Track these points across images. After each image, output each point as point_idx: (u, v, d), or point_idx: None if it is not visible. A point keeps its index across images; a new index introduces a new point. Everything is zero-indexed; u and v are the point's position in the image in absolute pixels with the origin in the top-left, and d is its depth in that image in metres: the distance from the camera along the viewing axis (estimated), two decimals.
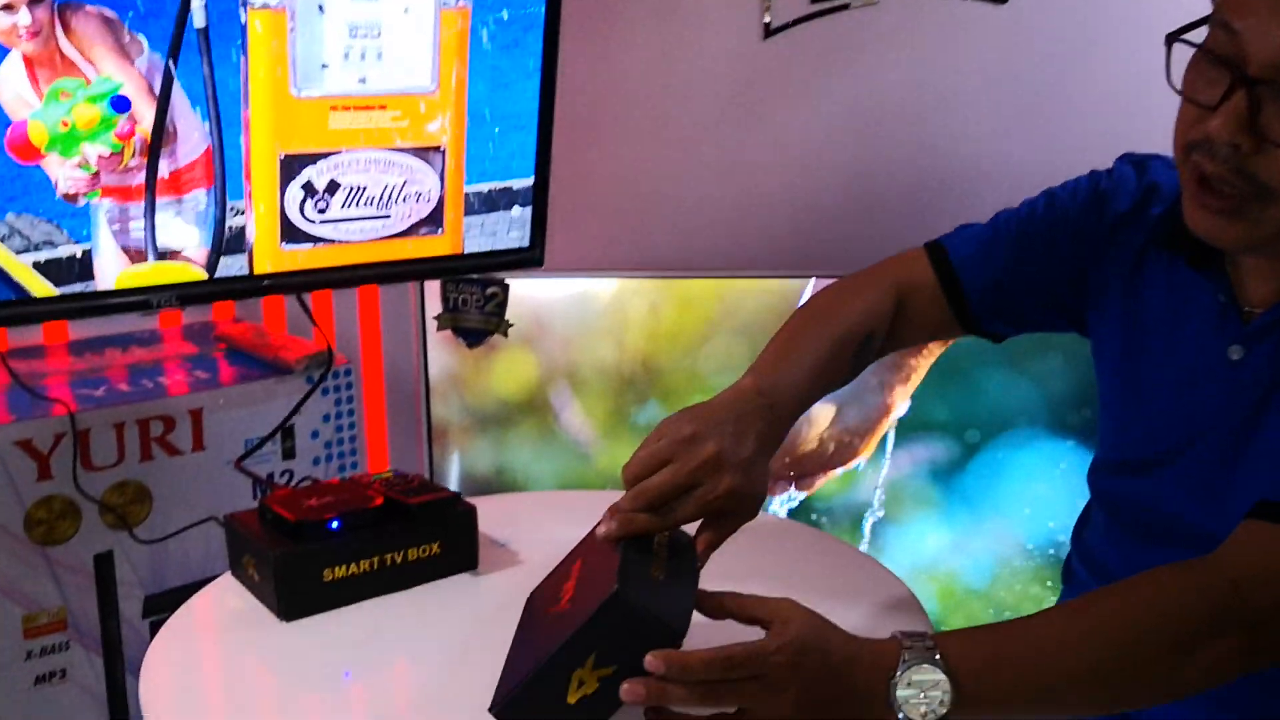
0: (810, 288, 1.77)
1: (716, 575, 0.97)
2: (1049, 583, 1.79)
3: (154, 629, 1.50)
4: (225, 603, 1.19)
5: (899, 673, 0.90)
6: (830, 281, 1.27)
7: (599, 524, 0.97)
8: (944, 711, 0.89)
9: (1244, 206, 0.95)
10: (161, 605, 1.50)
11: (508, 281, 1.80)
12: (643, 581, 0.91)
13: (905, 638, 0.91)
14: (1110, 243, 1.14)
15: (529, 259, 1.64)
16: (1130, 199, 1.13)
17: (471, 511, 1.20)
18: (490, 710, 0.88)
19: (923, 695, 0.89)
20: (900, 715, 0.90)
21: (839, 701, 0.90)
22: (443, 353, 1.84)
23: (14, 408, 1.42)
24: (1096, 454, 1.20)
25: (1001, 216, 1.21)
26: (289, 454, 1.59)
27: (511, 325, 1.82)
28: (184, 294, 1.41)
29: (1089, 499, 1.22)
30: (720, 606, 0.93)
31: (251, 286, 1.48)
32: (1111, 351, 1.15)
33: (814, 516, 1.84)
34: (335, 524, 1.14)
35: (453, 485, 1.90)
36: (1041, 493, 1.78)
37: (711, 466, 0.98)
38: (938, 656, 0.90)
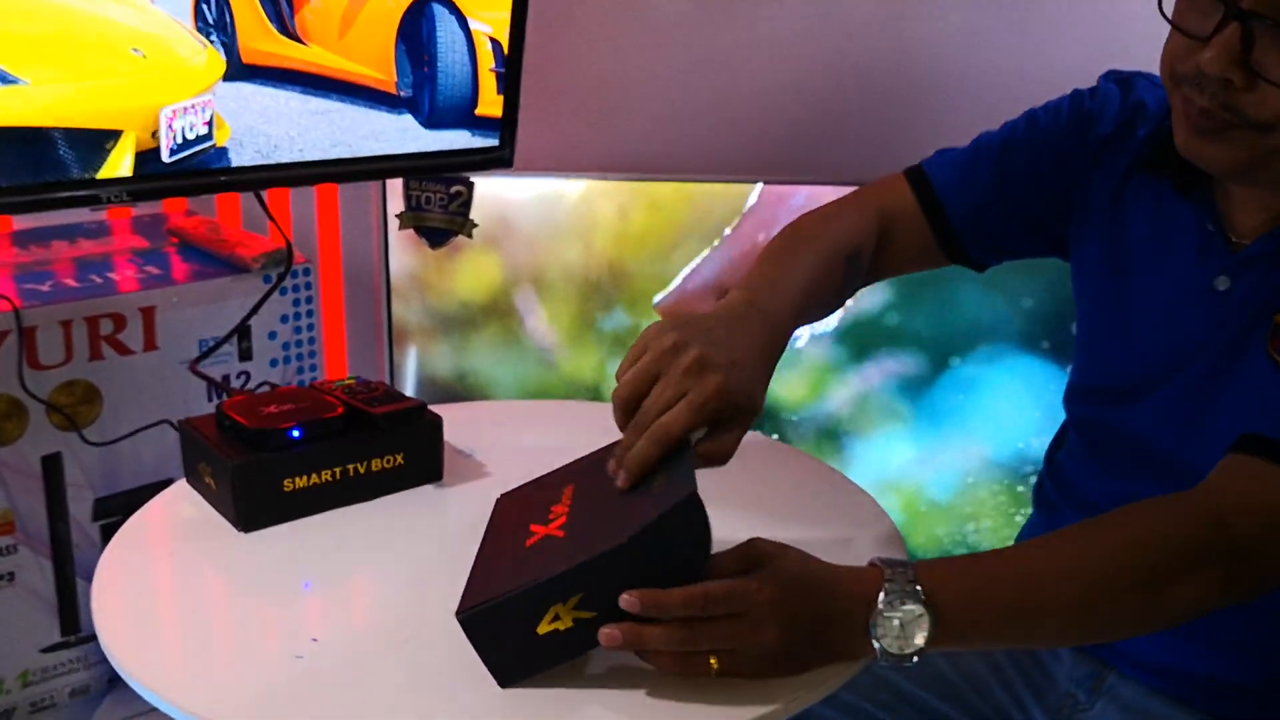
0: (757, 193, 1.74)
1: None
2: (1015, 500, 1.79)
3: (105, 532, 1.47)
4: (180, 511, 1.16)
5: (879, 603, 0.88)
6: (806, 199, 1.24)
7: (612, 466, 0.93)
8: (922, 643, 0.88)
9: (1233, 134, 0.92)
10: (113, 508, 1.46)
11: (473, 180, 1.74)
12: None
13: (886, 567, 0.90)
14: (1094, 165, 1.11)
15: (498, 159, 1.59)
16: (1114, 120, 1.10)
17: (437, 422, 1.17)
18: (457, 615, 0.85)
19: (901, 625, 0.88)
20: (877, 645, 0.88)
21: (821, 633, 0.88)
22: (404, 253, 1.79)
23: None
24: (1072, 378, 1.18)
25: (983, 139, 1.18)
26: (245, 355, 1.54)
27: (476, 225, 1.77)
28: (135, 189, 1.36)
29: (1064, 421, 1.21)
30: (688, 598, 0.89)
31: (208, 183, 1.43)
32: (1092, 277, 1.12)
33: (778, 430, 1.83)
34: (296, 433, 1.10)
35: (411, 390, 1.86)
36: (1011, 411, 1.77)
37: (697, 369, 0.93)
38: (918, 587, 0.88)
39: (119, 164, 1.32)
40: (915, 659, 0.89)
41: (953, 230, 1.17)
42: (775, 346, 1.00)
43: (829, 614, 0.88)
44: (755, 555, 0.89)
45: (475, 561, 0.94)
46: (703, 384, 0.92)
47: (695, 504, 0.84)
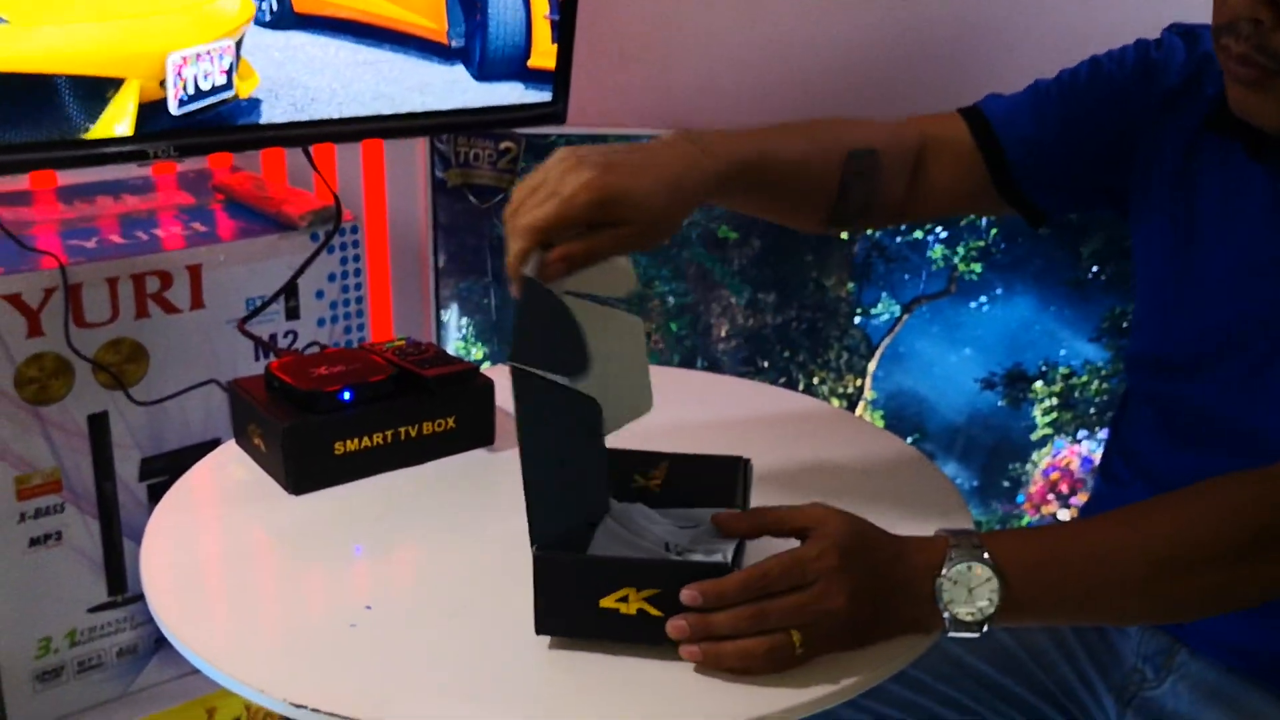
0: None
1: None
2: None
3: (151, 492, 1.45)
4: (229, 472, 1.14)
5: (945, 569, 0.85)
6: None
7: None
8: (991, 611, 0.85)
9: (1269, 81, 0.89)
10: (159, 468, 1.45)
11: (522, 136, 1.71)
12: None
13: (951, 535, 0.87)
14: (1160, 120, 1.06)
15: (551, 114, 1.55)
16: (1181, 73, 1.05)
17: (489, 386, 1.14)
18: (533, 548, 0.83)
19: (969, 593, 0.85)
20: (945, 614, 0.85)
21: (889, 601, 0.85)
22: (451, 212, 1.76)
23: (0, 259, 1.34)
24: (1134, 345, 1.14)
25: (1040, 83, 1.13)
26: (292, 315, 1.52)
27: None
28: (181, 144, 1.34)
29: (1126, 391, 1.16)
30: (754, 525, 0.88)
31: (254, 137, 1.40)
32: (1157, 241, 1.07)
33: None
34: (346, 395, 1.08)
35: (451, 349, 1.83)
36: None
37: (574, 166, 0.87)
38: (985, 555, 0.85)
39: (119, 117, 1.27)
40: (985, 628, 0.86)
41: (1008, 163, 1.11)
42: (695, 172, 0.93)
43: (894, 580, 0.86)
44: (814, 518, 0.86)
45: (555, 480, 0.90)
46: (574, 177, 0.86)
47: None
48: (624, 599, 0.82)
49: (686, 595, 0.81)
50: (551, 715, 0.80)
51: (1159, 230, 1.07)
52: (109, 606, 1.46)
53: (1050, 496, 1.75)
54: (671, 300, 1.81)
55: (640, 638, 0.83)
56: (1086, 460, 1.74)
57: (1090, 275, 1.64)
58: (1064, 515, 1.73)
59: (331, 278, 1.54)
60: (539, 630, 0.85)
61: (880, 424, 1.69)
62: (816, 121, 1.09)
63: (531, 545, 0.84)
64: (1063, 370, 1.71)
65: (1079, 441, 1.73)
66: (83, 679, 1.46)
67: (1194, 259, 1.04)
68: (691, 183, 0.93)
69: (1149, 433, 1.10)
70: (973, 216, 1.60)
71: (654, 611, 0.83)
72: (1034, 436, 1.75)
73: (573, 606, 0.84)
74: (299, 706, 0.80)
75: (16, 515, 1.36)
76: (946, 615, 0.85)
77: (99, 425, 1.40)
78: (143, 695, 1.50)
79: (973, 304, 1.68)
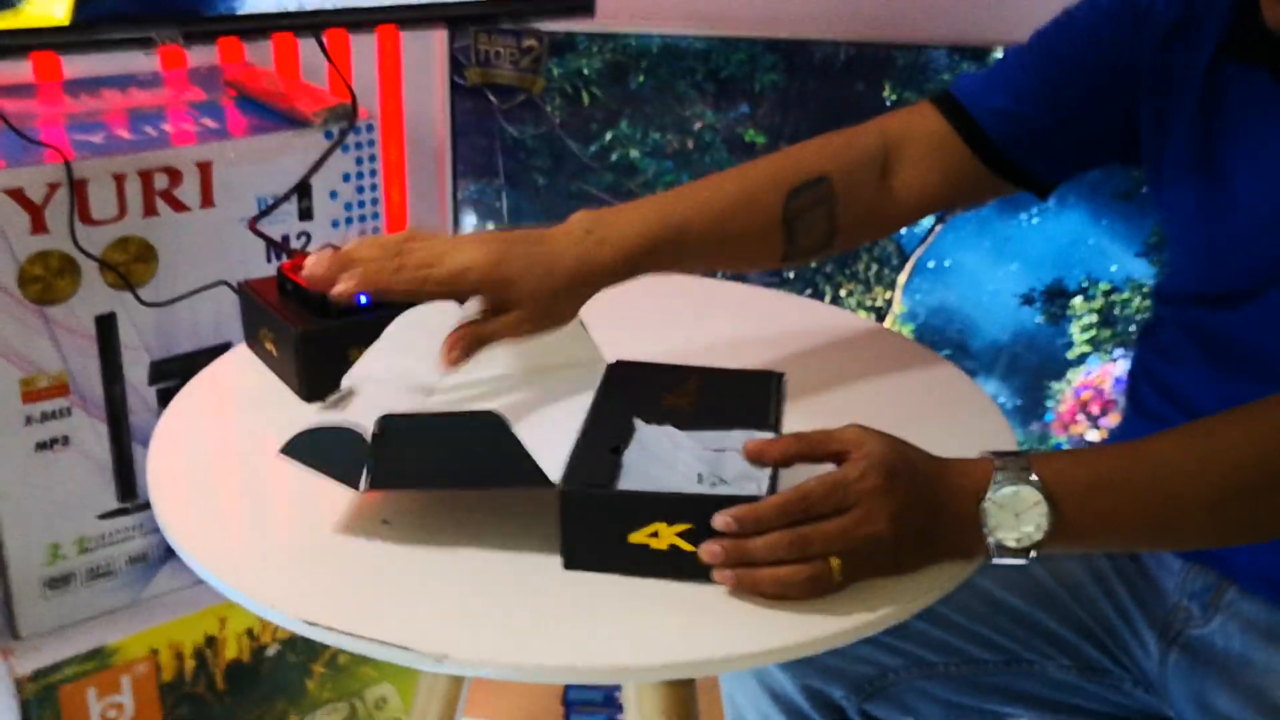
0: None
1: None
2: None
3: (162, 397, 1.41)
4: (240, 378, 1.09)
5: (991, 493, 0.81)
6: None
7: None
8: (1040, 537, 0.81)
9: None
10: (169, 372, 1.41)
11: (546, 33, 1.63)
12: None
13: (997, 457, 0.82)
14: (1161, 59, 0.98)
15: (579, 5, 1.47)
16: (1175, 6, 0.97)
17: None
18: (559, 487, 0.79)
19: (1017, 518, 0.81)
20: (990, 540, 0.81)
21: (933, 524, 0.81)
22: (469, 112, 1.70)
23: (3, 152, 1.29)
24: (1166, 279, 1.08)
25: (1009, 51, 1.06)
26: (305, 215, 1.46)
27: (547, 84, 1.67)
28: (188, 30, 1.27)
29: (1152, 320, 1.11)
30: (788, 452, 0.82)
31: (264, 24, 1.34)
32: (1183, 179, 1.00)
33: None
34: (363, 299, 1.03)
35: None
36: None
37: (468, 243, 0.91)
38: (1033, 478, 0.81)
39: None
40: (1032, 554, 0.81)
41: (992, 141, 1.04)
42: (587, 267, 0.92)
43: (938, 504, 0.81)
44: (851, 441, 0.81)
45: (589, 416, 0.89)
46: (467, 253, 0.90)
47: None
48: (654, 534, 0.78)
49: (720, 521, 0.77)
50: (575, 639, 0.76)
51: (1184, 172, 1.00)
52: (119, 513, 1.43)
53: (1080, 416, 1.70)
54: None
55: (672, 573, 0.79)
56: (1120, 380, 1.69)
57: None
58: (1093, 436, 1.69)
59: (346, 178, 1.48)
60: (567, 565, 0.81)
61: (905, 333, 1.63)
62: (753, 164, 1.05)
63: (558, 487, 0.80)
64: (1103, 286, 1.65)
65: (1115, 360, 1.68)
66: (93, 586, 1.43)
67: (1223, 193, 0.97)
68: (584, 276, 0.92)
69: (1185, 365, 1.04)
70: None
71: (686, 546, 0.78)
72: (1070, 355, 1.69)
73: (601, 542, 0.80)
74: (313, 625, 0.76)
75: (23, 418, 1.32)
76: (991, 541, 0.81)
77: (107, 327, 1.35)
78: (154, 603, 1.48)
79: (1023, 215, 1.62)
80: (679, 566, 0.79)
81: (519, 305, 0.90)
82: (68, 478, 1.37)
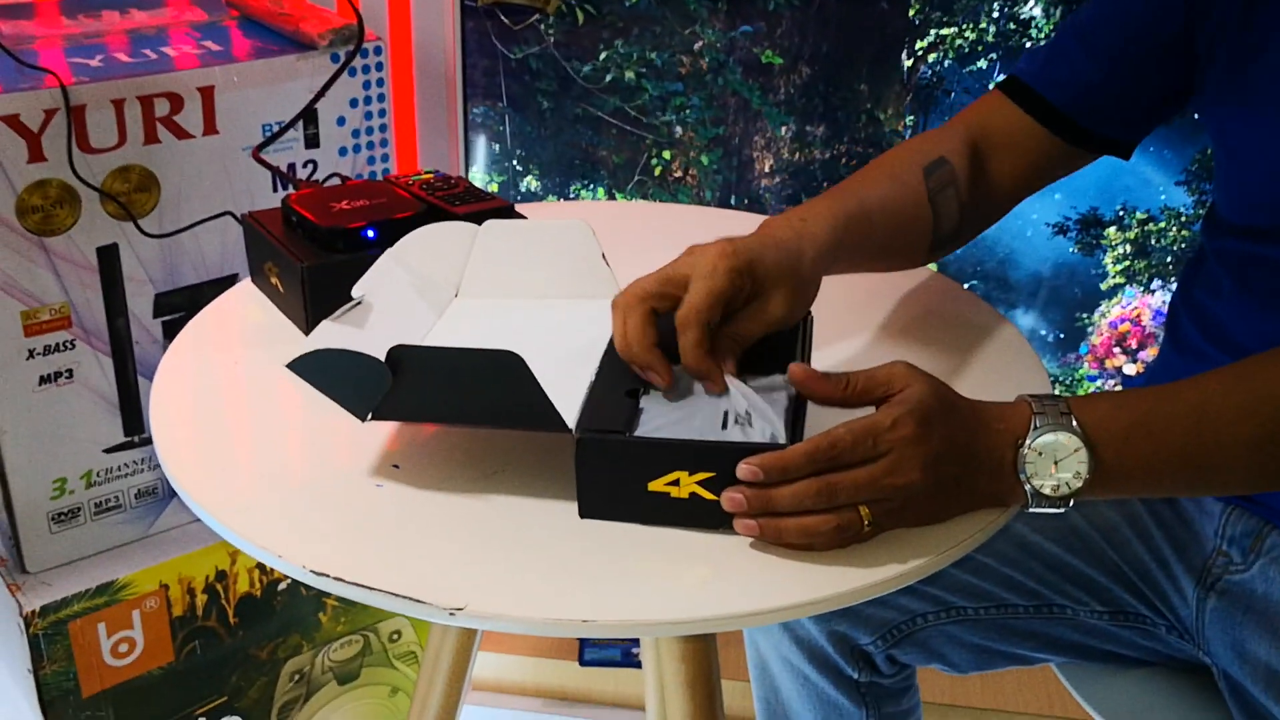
0: None
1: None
2: None
3: (167, 329, 1.38)
4: (245, 313, 1.06)
5: (1029, 440, 0.77)
6: None
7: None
8: (1079, 485, 0.77)
9: None
10: (175, 305, 1.37)
11: None
12: None
13: (1034, 401, 0.79)
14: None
15: None
16: None
17: None
18: (576, 432, 0.76)
19: (1055, 465, 0.77)
20: (1028, 487, 0.78)
21: (968, 473, 0.77)
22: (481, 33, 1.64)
23: None
24: (1214, 209, 1.04)
25: (1066, 22, 1.04)
26: (312, 143, 1.42)
27: (561, 2, 1.61)
28: None
29: (1197, 253, 1.07)
30: (833, 392, 0.79)
31: None
32: (1232, 112, 0.96)
33: None
34: (370, 232, 0.99)
35: (480, 182, 1.73)
36: None
37: (692, 251, 0.85)
38: (1074, 422, 0.77)
39: None
40: (1071, 503, 0.78)
41: (1072, 121, 1.03)
42: (807, 240, 0.89)
43: (974, 451, 0.78)
44: (898, 379, 0.77)
45: (604, 356, 0.85)
46: (702, 257, 0.84)
47: None
48: (675, 483, 0.75)
49: (745, 470, 0.74)
50: (593, 592, 0.73)
51: (1230, 103, 0.96)
52: (126, 447, 1.40)
53: (1116, 350, 1.66)
54: (704, 131, 1.70)
55: (693, 522, 0.76)
56: (1159, 313, 1.64)
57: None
58: (1130, 370, 1.65)
59: (354, 103, 1.43)
60: (583, 514, 0.78)
61: (933, 268, 1.60)
62: (885, 155, 1.04)
63: (575, 432, 0.76)
64: (1140, 215, 1.60)
65: (1152, 292, 1.63)
66: (100, 521, 1.41)
67: (1270, 123, 0.93)
68: (809, 249, 0.88)
69: (1230, 299, 1.01)
70: None
71: (708, 495, 0.75)
72: (1103, 286, 1.65)
73: (619, 490, 0.76)
74: (321, 575, 0.73)
75: (25, 352, 1.29)
76: (1029, 489, 0.78)
77: (109, 258, 1.31)
78: (163, 538, 1.46)
79: None
80: (700, 516, 0.76)
81: (769, 284, 0.86)
82: (72, 411, 1.34)
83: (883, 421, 0.75)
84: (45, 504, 1.36)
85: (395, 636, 1.63)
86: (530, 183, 1.76)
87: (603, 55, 1.65)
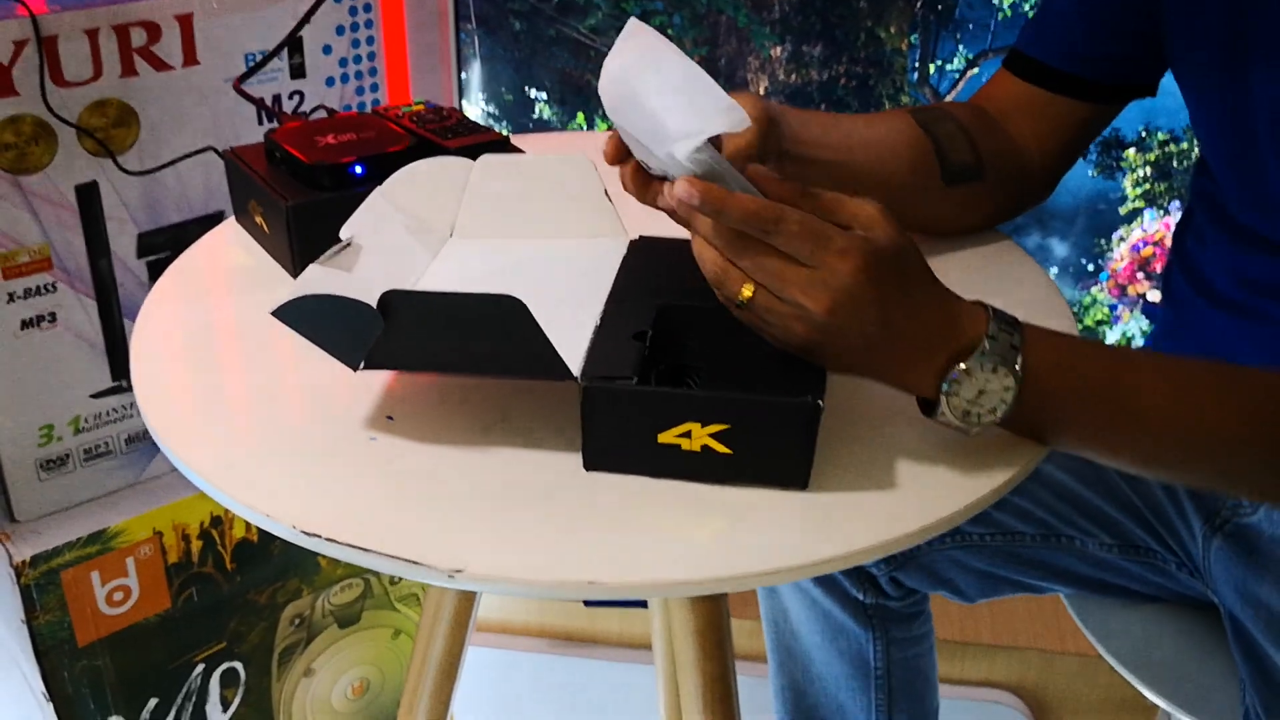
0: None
1: None
2: None
3: (152, 270, 1.33)
4: (230, 255, 1.01)
5: (968, 360, 0.70)
6: None
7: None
8: (990, 419, 0.71)
9: None
10: (159, 244, 1.32)
11: None
12: None
13: (991, 320, 0.71)
14: None
15: None
16: None
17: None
18: (581, 380, 0.72)
19: (978, 396, 0.70)
20: (943, 405, 0.71)
21: (882, 348, 0.70)
22: None
23: None
24: (1200, 161, 1.00)
25: None
26: (297, 73, 1.36)
27: None
28: None
29: (1189, 203, 1.02)
30: (782, 192, 0.71)
31: None
32: (1210, 80, 0.92)
33: None
34: (359, 169, 0.94)
35: (477, 116, 1.68)
36: None
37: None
38: (1017, 365, 0.70)
39: None
40: (970, 433, 0.72)
41: (1086, 81, 1.00)
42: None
43: (902, 332, 0.70)
44: (863, 219, 0.70)
45: (609, 298, 0.81)
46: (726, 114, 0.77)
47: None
48: (686, 434, 0.71)
49: (682, 187, 0.67)
50: (600, 551, 0.69)
51: (1207, 70, 0.92)
52: (114, 392, 1.36)
53: (1139, 275, 1.61)
54: (689, 52, 1.63)
55: (705, 476, 0.72)
56: None
57: None
58: (1154, 297, 1.60)
59: (340, 30, 1.37)
60: (588, 466, 0.74)
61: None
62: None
63: (580, 380, 0.72)
64: (1161, 136, 1.54)
65: (1172, 214, 1.58)
66: (91, 467, 1.37)
67: (1246, 89, 0.88)
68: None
69: (1208, 245, 0.97)
70: None
71: (721, 449, 0.71)
72: (1123, 210, 1.59)
73: (626, 442, 0.72)
74: (311, 535, 0.70)
75: (4, 295, 1.24)
76: (940, 406, 0.71)
77: (88, 197, 1.26)
78: (156, 484, 1.42)
79: None
80: (713, 470, 0.72)
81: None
82: (56, 356, 1.30)
83: (835, 239, 0.68)
84: (33, 451, 1.32)
85: (396, 579, 1.61)
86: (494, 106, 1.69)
87: None
